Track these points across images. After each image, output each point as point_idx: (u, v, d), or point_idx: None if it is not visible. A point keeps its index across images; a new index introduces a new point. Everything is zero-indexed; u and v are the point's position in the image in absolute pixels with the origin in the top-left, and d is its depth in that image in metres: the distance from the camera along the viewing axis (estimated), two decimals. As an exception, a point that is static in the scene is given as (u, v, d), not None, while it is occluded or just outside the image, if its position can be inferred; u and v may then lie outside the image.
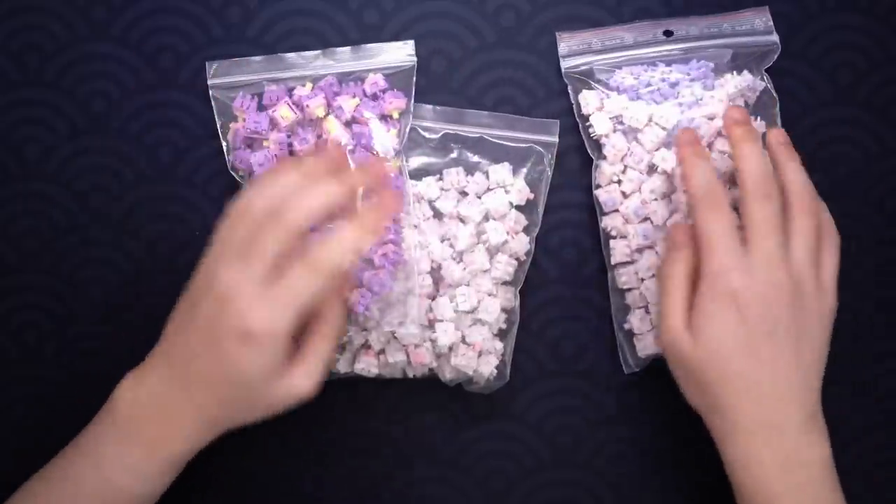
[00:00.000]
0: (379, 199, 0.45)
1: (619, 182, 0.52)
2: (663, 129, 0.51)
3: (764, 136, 0.49)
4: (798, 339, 0.45)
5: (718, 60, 0.53)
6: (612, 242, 0.53)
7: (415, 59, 0.53)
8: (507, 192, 0.52)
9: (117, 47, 0.54)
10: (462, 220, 0.52)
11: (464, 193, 0.53)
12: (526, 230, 0.53)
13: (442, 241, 0.52)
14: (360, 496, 0.54)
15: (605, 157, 0.53)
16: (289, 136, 0.52)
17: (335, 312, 0.46)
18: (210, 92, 0.53)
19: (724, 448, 0.46)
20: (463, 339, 0.51)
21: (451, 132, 0.53)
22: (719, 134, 0.51)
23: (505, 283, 0.52)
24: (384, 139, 0.52)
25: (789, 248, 0.45)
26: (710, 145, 0.51)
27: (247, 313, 0.41)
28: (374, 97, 0.53)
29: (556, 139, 0.53)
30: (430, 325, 0.51)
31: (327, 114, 0.52)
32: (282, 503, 0.53)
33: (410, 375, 0.52)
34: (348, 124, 0.52)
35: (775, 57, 0.53)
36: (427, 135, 0.53)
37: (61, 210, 0.54)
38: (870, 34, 0.55)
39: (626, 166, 0.52)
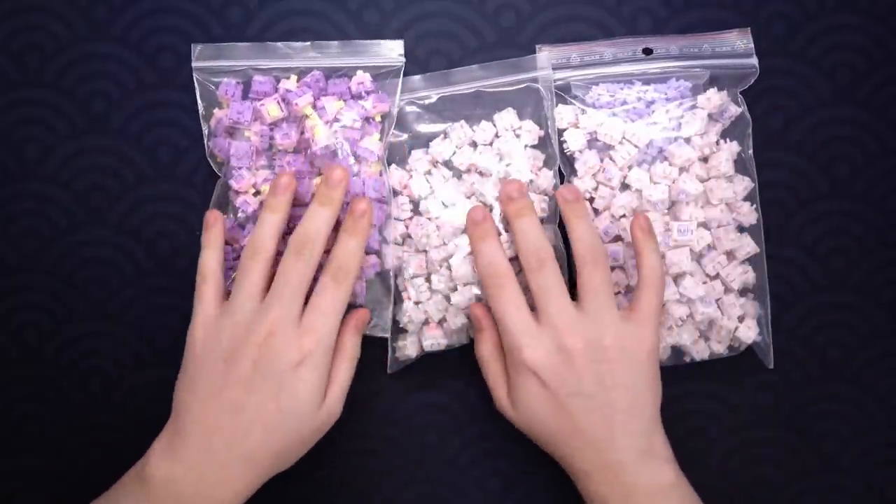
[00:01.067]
0: (352, 204, 0.48)
1: (592, 200, 0.53)
2: (636, 146, 0.51)
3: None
4: (609, 390, 0.46)
5: (696, 81, 0.53)
6: None
7: (403, 59, 0.53)
8: (517, 135, 0.52)
9: (117, 47, 0.54)
10: (481, 173, 0.52)
11: (474, 144, 0.53)
12: (547, 165, 0.53)
13: (468, 197, 0.52)
14: (359, 496, 0.54)
15: (576, 173, 0.53)
16: (271, 129, 0.52)
17: (351, 341, 0.49)
18: (194, 75, 0.53)
19: (577, 488, 0.48)
20: None
21: (447, 94, 0.53)
22: (698, 158, 0.52)
23: (542, 221, 0.52)
24: (367, 144, 0.52)
25: (582, 305, 0.47)
26: (687, 168, 0.51)
27: (301, 341, 0.45)
28: (359, 97, 0.52)
29: (550, 71, 0.53)
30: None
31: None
32: (281, 503, 0.53)
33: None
34: (329, 124, 0.52)
35: (752, 80, 0.53)
36: (423, 102, 0.53)
37: (61, 210, 0.54)
38: (869, 34, 0.55)
39: (598, 183, 0.52)
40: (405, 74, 0.54)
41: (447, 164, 0.53)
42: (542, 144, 0.53)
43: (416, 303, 0.52)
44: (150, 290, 0.54)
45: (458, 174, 0.53)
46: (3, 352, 0.54)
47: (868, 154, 0.55)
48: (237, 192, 0.52)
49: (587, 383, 0.46)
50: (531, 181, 0.52)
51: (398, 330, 0.53)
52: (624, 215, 0.52)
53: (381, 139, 0.52)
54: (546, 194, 0.52)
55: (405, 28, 0.54)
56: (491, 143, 0.53)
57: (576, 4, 0.55)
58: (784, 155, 0.55)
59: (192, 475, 0.44)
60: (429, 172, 0.53)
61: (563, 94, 0.53)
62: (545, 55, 0.53)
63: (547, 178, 0.52)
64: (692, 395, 0.54)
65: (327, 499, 0.54)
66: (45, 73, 0.54)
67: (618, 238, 0.52)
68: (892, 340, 0.54)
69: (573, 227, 0.48)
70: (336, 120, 0.52)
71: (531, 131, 0.52)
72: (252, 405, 0.45)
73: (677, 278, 0.51)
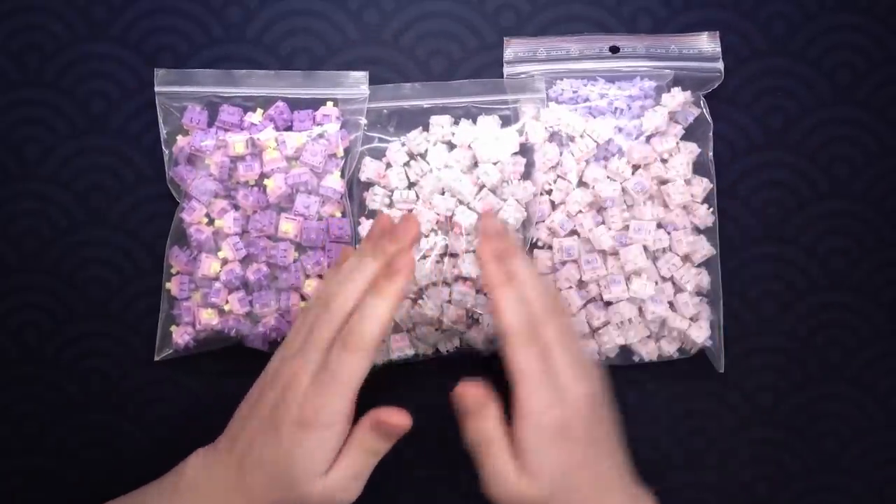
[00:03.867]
0: (393, 264, 0.43)
1: (550, 192, 0.53)
2: (595, 142, 0.51)
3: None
4: (609, 431, 0.45)
5: (660, 81, 0.53)
6: (535, 252, 0.53)
7: (367, 91, 0.53)
8: (497, 139, 0.52)
9: (117, 47, 0.54)
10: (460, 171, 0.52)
11: (450, 145, 0.53)
12: (531, 178, 0.52)
13: (442, 193, 0.52)
14: (359, 497, 0.54)
15: (534, 165, 0.53)
16: (233, 162, 0.51)
17: (367, 436, 0.45)
18: (156, 99, 0.53)
19: None
20: None
21: (439, 105, 0.53)
22: (657, 159, 0.52)
23: (518, 230, 0.52)
24: (329, 183, 0.52)
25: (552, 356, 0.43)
26: (646, 166, 0.51)
27: (304, 403, 0.43)
28: (322, 130, 0.52)
29: (543, 95, 0.53)
30: (449, 284, 0.51)
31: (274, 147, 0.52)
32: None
33: (444, 351, 0.52)
34: (290, 159, 0.52)
35: (716, 85, 0.53)
36: (411, 110, 0.53)
37: (61, 210, 0.54)
38: (869, 34, 0.55)
39: (557, 176, 0.52)
40: (405, 74, 0.54)
41: (423, 156, 0.52)
42: (525, 153, 0.52)
43: None
44: (150, 290, 0.54)
45: (434, 170, 0.52)
46: (3, 352, 0.54)
47: (868, 154, 0.55)
48: (189, 223, 0.51)
49: (602, 428, 0.44)
50: (502, 180, 0.52)
51: None
52: (580, 211, 0.52)
53: (342, 176, 0.52)
54: (524, 204, 0.52)
55: (405, 28, 0.54)
56: (469, 146, 0.52)
57: (576, 4, 0.55)
58: (784, 155, 0.55)
59: (209, 485, 0.45)
60: (407, 164, 0.52)
61: (527, 87, 0.53)
62: (543, 79, 0.53)
63: (526, 189, 0.52)
64: (692, 394, 0.54)
65: (327, 499, 0.54)
66: (45, 73, 0.54)
67: (573, 232, 0.52)
68: (892, 340, 0.54)
69: (517, 272, 0.44)
70: (296, 157, 0.51)
71: (512, 139, 0.52)
72: (258, 447, 0.44)
73: (630, 277, 0.51)
